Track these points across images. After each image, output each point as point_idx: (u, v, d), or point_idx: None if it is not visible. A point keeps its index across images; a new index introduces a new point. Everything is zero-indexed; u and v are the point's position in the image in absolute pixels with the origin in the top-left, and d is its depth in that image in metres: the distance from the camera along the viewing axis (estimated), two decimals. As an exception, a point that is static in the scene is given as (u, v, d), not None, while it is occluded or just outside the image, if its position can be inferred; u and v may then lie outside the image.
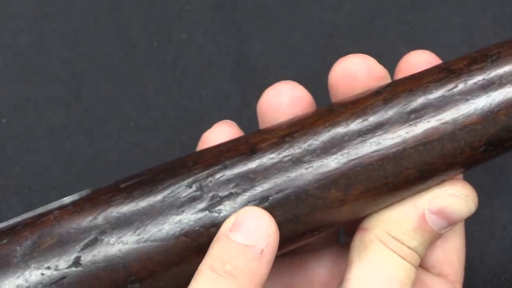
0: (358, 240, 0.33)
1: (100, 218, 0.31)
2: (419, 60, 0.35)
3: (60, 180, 0.44)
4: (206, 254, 0.31)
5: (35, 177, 0.44)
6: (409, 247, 0.32)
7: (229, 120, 0.36)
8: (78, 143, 0.45)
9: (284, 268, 0.37)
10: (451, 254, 0.36)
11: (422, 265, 0.36)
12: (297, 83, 0.35)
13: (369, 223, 0.33)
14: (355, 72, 0.34)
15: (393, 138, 0.32)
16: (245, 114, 0.44)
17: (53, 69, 0.46)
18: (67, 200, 0.33)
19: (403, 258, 0.32)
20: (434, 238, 0.33)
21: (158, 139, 0.44)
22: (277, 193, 0.31)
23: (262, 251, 0.30)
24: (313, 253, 0.37)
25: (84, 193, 0.33)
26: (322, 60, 0.45)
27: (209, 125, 0.43)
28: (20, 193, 0.44)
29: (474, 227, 0.43)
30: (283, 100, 0.35)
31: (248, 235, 0.31)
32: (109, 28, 0.46)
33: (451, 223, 0.33)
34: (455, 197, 0.33)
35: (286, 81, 0.35)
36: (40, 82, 0.45)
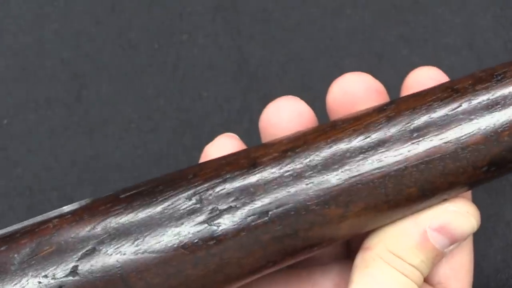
0: (360, 259, 0.33)
1: (99, 228, 0.31)
2: (425, 77, 0.35)
3: (61, 181, 0.44)
4: None
5: (36, 178, 0.44)
6: (411, 265, 0.32)
7: (231, 133, 0.36)
8: (79, 144, 0.45)
9: (291, 282, 0.36)
10: (458, 269, 0.35)
11: (428, 282, 0.35)
12: (298, 98, 0.35)
13: (371, 242, 0.33)
14: (353, 91, 0.34)
15: (395, 156, 0.31)
16: (246, 116, 0.44)
17: (53, 70, 0.46)
18: (66, 209, 0.33)
19: (405, 276, 0.32)
20: (437, 256, 0.33)
21: (159, 140, 0.44)
22: (277, 208, 0.31)
23: None
24: (320, 268, 0.36)
25: (84, 202, 0.33)
26: (322, 62, 0.45)
27: (210, 127, 0.43)
28: (22, 194, 0.44)
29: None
30: (283, 117, 0.34)
31: None
32: (109, 29, 0.46)
33: (453, 241, 0.33)
34: (456, 214, 0.32)
35: (287, 96, 0.35)
36: (40, 83, 0.45)
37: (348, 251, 0.38)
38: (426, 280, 0.35)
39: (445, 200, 0.33)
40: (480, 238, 0.43)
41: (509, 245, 0.43)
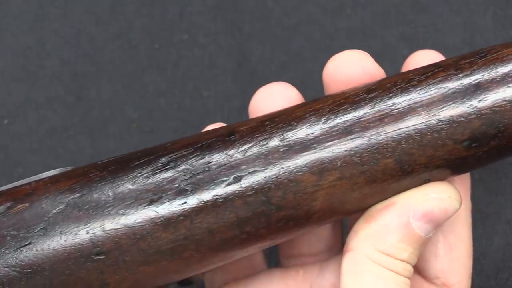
0: (349, 263, 0.32)
1: (73, 189, 0.32)
2: (424, 60, 0.35)
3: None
4: None
5: (37, 178, 0.44)
6: (401, 260, 0.32)
7: (221, 123, 0.36)
8: (80, 144, 0.45)
9: (288, 283, 0.36)
10: (455, 263, 0.35)
11: (426, 276, 0.35)
12: (289, 84, 0.35)
13: (356, 242, 0.32)
14: (348, 72, 0.34)
15: (372, 125, 0.31)
16: (246, 115, 0.44)
17: (54, 70, 0.46)
18: (46, 174, 0.33)
19: (398, 274, 0.32)
20: (423, 244, 0.32)
21: (160, 140, 0.44)
22: (250, 173, 0.31)
23: None
24: (317, 266, 0.36)
25: (64, 169, 0.33)
26: (322, 61, 0.44)
27: (210, 126, 0.43)
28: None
29: (478, 223, 0.43)
30: (274, 102, 0.34)
31: None
32: (110, 29, 0.46)
33: (436, 226, 0.32)
34: (439, 200, 0.32)
35: (278, 82, 0.35)
36: (41, 83, 0.45)
37: (342, 243, 0.37)
38: (424, 275, 0.35)
39: (428, 181, 0.32)
40: (480, 237, 0.43)
41: (509, 244, 0.43)
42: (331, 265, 0.36)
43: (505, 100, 0.31)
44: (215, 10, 0.46)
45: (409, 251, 0.32)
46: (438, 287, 0.35)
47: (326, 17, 0.45)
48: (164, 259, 0.32)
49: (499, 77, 0.31)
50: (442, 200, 0.32)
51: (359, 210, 0.33)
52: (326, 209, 0.32)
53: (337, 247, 0.37)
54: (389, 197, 0.32)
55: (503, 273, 0.42)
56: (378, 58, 0.42)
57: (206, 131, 0.33)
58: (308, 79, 0.44)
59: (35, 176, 0.33)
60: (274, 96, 0.35)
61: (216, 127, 0.34)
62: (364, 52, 0.34)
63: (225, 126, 0.34)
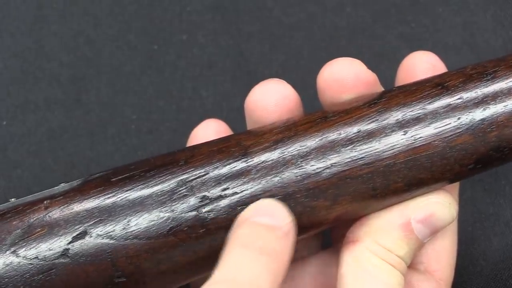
0: (348, 254, 0.33)
1: (90, 211, 0.32)
2: (421, 62, 0.35)
3: (61, 183, 0.44)
4: (231, 236, 0.31)
5: (36, 179, 0.44)
6: (398, 256, 0.33)
7: (218, 119, 0.36)
8: (79, 146, 0.45)
9: None
10: (439, 251, 0.36)
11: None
12: (284, 81, 0.35)
13: (357, 234, 0.33)
14: (342, 78, 0.34)
15: (384, 152, 0.32)
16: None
17: (52, 71, 0.45)
18: (58, 189, 0.33)
19: (393, 266, 0.33)
20: (418, 247, 0.33)
21: (159, 141, 0.44)
22: (266, 198, 0.32)
23: (288, 232, 0.31)
24: (299, 262, 0.37)
25: (75, 183, 0.33)
26: (322, 61, 0.44)
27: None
28: (21, 195, 0.44)
29: (477, 224, 0.43)
30: (270, 99, 0.35)
31: (272, 218, 0.31)
32: (109, 30, 0.46)
33: (434, 232, 0.33)
34: (439, 205, 0.33)
35: (273, 79, 0.35)
36: (40, 84, 0.45)
37: (323, 243, 0.38)
38: None
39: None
40: (479, 238, 0.43)
41: (508, 245, 0.43)
42: (312, 260, 0.37)
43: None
44: (214, 10, 0.46)
45: (406, 250, 0.33)
46: (421, 273, 0.36)
47: (326, 16, 0.45)
48: (180, 275, 0.33)
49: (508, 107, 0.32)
50: (443, 205, 0.33)
51: (361, 216, 0.34)
52: (335, 223, 0.33)
53: (316, 245, 0.38)
54: (392, 205, 0.34)
55: (502, 274, 0.42)
56: (378, 57, 0.42)
57: (217, 147, 0.33)
58: (308, 78, 0.44)
59: (46, 191, 0.33)
60: (269, 95, 0.35)
61: (224, 138, 0.34)
62: (357, 60, 0.35)
63: (234, 141, 0.33)
